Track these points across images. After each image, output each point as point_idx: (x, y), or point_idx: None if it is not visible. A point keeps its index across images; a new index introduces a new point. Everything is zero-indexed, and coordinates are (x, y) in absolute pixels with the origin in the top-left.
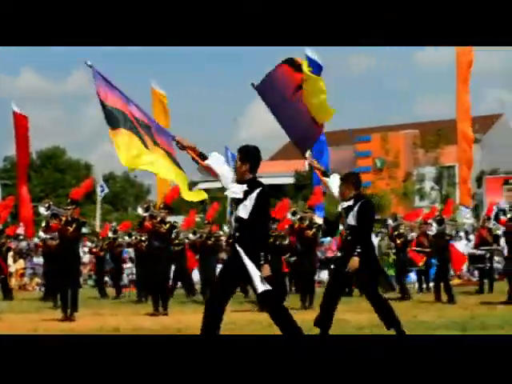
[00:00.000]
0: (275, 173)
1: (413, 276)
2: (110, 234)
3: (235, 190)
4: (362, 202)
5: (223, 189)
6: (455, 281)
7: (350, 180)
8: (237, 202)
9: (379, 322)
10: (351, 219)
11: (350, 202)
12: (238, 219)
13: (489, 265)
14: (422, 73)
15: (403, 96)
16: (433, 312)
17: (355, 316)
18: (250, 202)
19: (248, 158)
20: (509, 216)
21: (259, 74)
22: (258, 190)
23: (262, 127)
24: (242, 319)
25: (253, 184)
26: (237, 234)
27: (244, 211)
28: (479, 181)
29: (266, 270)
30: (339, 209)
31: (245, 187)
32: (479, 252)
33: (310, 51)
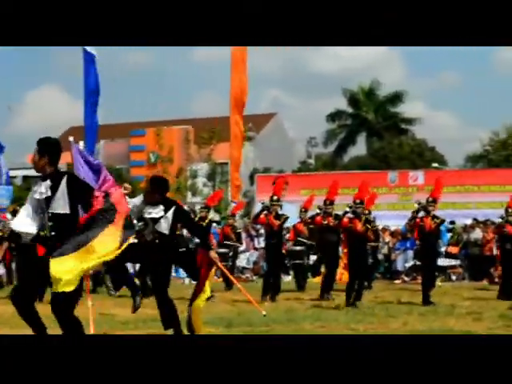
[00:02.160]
0: None
1: None
2: None
3: None
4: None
5: None
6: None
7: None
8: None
9: (146, 318)
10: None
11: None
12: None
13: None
14: (198, 69)
15: (178, 91)
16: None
17: (122, 311)
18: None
19: (46, 150)
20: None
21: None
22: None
23: (42, 115)
24: None
25: (57, 177)
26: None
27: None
28: (252, 178)
29: None
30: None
31: (49, 182)
32: (298, 248)
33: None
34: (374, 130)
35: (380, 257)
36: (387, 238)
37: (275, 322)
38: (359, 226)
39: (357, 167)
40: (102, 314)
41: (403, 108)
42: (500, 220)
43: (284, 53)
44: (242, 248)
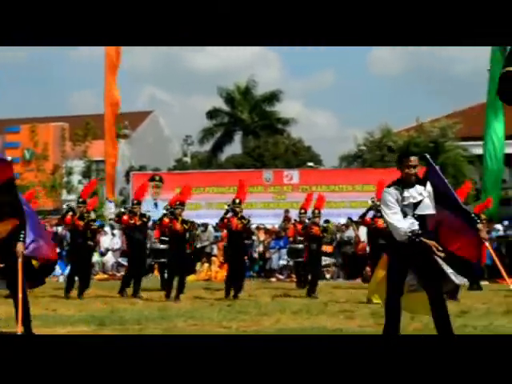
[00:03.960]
0: None
1: None
2: None
3: None
4: None
5: None
6: (99, 275)
7: None
8: None
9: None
10: None
11: None
12: None
13: None
14: (74, 66)
15: (54, 88)
16: (73, 306)
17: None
18: None
19: None
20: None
21: None
22: None
23: None
24: None
25: None
26: None
27: None
28: (127, 176)
29: None
30: None
31: None
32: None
33: None
34: (250, 129)
35: (255, 255)
36: (262, 237)
37: (148, 320)
38: (178, 226)
39: (233, 166)
40: None
41: (280, 107)
42: (307, 221)
43: (160, 50)
44: (117, 246)
